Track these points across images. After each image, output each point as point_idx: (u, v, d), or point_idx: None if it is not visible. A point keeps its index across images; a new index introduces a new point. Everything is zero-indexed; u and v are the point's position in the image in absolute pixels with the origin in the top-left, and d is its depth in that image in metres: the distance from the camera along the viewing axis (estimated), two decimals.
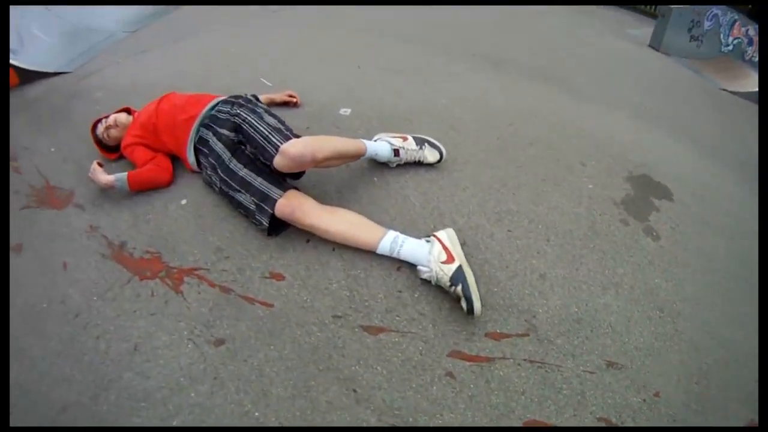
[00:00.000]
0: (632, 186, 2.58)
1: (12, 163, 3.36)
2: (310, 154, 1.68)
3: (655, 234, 2.27)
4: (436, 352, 1.62)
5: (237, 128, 1.89)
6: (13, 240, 2.28)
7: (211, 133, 2.00)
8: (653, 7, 13.15)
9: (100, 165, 2.18)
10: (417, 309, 1.71)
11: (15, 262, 2.11)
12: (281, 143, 1.71)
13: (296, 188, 1.85)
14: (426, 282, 1.74)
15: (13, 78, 5.33)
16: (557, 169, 2.58)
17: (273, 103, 2.66)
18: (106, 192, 2.32)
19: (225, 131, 1.93)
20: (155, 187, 2.22)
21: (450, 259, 1.61)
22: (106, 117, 2.47)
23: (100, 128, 2.47)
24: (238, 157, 1.88)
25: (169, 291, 1.82)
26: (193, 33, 4.99)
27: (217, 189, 1.94)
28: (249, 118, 1.85)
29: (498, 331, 1.70)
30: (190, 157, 2.14)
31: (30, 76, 5.09)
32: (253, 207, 1.76)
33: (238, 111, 1.92)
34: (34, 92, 4.57)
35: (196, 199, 2.17)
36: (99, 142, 2.52)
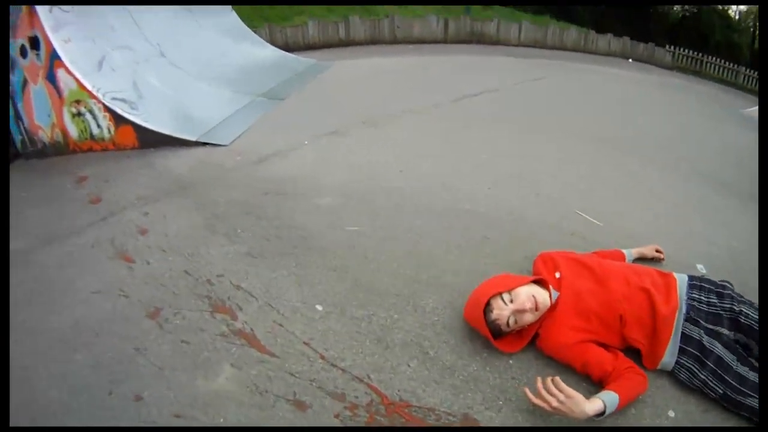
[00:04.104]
0: None
1: (221, 315, 1.95)
2: None
3: None
4: None
5: (742, 329, 1.64)
6: None
7: (702, 331, 1.64)
8: (728, 74, 13.47)
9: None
10: None
11: None
12: None
13: None
14: None
15: (129, 138, 4.00)
16: None
17: (643, 259, 2.21)
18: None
19: (724, 330, 1.64)
20: None
21: None
22: (509, 290, 1.67)
23: (504, 310, 1.63)
24: (740, 359, 1.59)
25: None
26: (370, 115, 3.99)
27: (717, 395, 1.60)
28: None
29: None
30: (668, 357, 1.67)
31: (150, 139, 3.79)
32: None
33: (743, 309, 1.65)
34: (173, 167, 3.18)
35: (686, 407, 1.60)
36: (495, 330, 1.68)
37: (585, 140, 4.01)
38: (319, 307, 1.89)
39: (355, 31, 10.95)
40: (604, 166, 3.42)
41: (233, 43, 5.90)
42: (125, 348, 1.89)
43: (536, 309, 1.63)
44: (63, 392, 1.86)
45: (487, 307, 1.63)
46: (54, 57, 4.37)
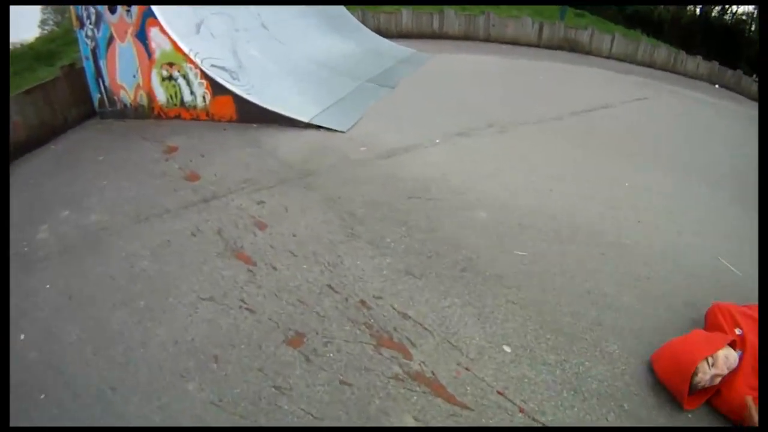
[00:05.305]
0: None
1: (389, 351, 1.43)
2: None
3: None
4: None
5: None
6: None
7: None
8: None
9: None
10: None
11: None
12: None
13: None
14: None
15: (226, 110, 3.58)
16: None
17: None
18: None
19: None
20: None
21: None
22: (713, 353, 1.67)
23: (707, 374, 1.63)
24: None
25: None
26: (493, 118, 3.63)
27: None
28: None
29: None
30: None
31: (253, 114, 3.36)
32: None
33: None
34: (284, 149, 2.76)
35: None
36: (693, 390, 1.65)
37: (715, 180, 3.45)
38: (507, 349, 1.57)
39: (449, 24, 10.56)
40: (738, 211, 2.92)
41: (336, 25, 5.53)
42: (260, 384, 1.43)
43: (728, 370, 1.69)
44: None
45: (694, 371, 1.67)
46: (147, 15, 3.99)
